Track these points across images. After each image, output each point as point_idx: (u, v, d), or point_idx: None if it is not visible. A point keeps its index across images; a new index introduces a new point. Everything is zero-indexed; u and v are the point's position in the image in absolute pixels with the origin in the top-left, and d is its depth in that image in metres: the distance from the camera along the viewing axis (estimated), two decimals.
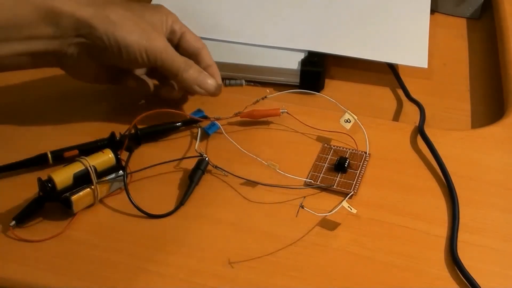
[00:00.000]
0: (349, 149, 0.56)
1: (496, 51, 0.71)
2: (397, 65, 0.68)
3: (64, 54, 0.55)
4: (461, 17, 0.79)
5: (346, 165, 0.53)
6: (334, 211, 0.49)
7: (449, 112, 0.64)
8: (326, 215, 0.49)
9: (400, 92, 0.66)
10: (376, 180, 0.53)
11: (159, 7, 0.59)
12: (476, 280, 0.44)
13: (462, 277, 0.45)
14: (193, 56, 0.59)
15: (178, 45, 0.59)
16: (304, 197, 0.51)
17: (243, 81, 0.58)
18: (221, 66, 0.64)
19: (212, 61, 0.59)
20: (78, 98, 0.62)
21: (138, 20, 0.55)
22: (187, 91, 0.60)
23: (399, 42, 0.68)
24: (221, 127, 0.57)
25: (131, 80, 0.60)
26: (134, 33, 0.54)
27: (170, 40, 0.58)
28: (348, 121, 0.55)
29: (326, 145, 0.57)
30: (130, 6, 0.57)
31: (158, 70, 0.57)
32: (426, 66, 0.65)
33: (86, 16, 0.53)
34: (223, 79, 0.59)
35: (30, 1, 0.53)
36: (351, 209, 0.49)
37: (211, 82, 0.58)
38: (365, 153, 0.56)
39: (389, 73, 0.68)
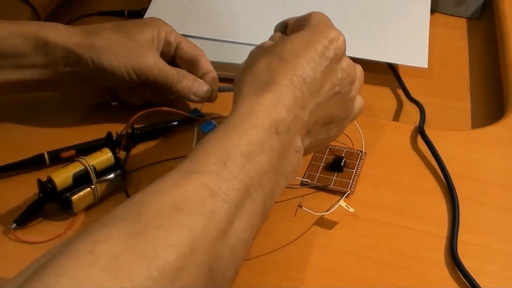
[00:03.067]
0: (345, 148, 0.56)
1: (496, 51, 0.71)
2: (397, 65, 0.68)
3: (57, 82, 0.57)
4: (461, 17, 0.79)
5: (342, 164, 0.53)
6: (332, 210, 0.49)
7: (449, 112, 0.64)
8: (324, 214, 0.49)
9: (400, 92, 0.66)
10: (376, 180, 0.53)
11: (151, 22, 0.59)
12: (476, 280, 0.44)
13: (462, 277, 0.45)
14: (191, 63, 0.59)
15: (175, 55, 0.59)
16: (302, 196, 0.51)
17: None
18: (222, 66, 0.64)
19: (211, 68, 0.59)
20: (74, 101, 0.62)
21: (125, 41, 0.56)
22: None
23: (399, 42, 0.68)
24: (217, 125, 0.57)
25: (128, 94, 0.60)
26: (121, 55, 0.55)
27: (166, 52, 0.59)
28: None
29: None
30: (118, 27, 0.57)
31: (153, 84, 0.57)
32: (426, 66, 0.65)
33: (72, 45, 0.55)
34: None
35: (23, 33, 0.55)
36: (348, 208, 0.49)
37: (206, 89, 0.57)
38: (361, 151, 0.56)
39: (389, 73, 0.68)
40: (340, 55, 0.45)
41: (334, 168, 0.54)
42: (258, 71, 0.43)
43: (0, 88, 0.56)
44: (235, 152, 0.37)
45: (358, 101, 0.49)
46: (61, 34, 0.55)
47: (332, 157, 0.55)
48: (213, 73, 0.58)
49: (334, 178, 0.53)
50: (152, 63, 0.55)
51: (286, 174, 0.41)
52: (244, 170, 0.37)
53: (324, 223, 0.49)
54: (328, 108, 0.45)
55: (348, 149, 0.56)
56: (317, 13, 0.47)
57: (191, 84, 0.57)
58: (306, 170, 0.54)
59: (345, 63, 0.46)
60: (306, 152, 0.45)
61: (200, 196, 0.35)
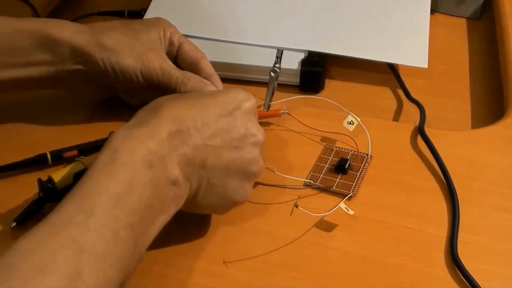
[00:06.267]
0: (351, 151, 0.56)
1: (496, 51, 0.71)
2: (397, 65, 0.68)
3: (62, 79, 0.57)
4: (461, 17, 0.79)
5: (346, 166, 0.53)
6: (331, 211, 0.49)
7: (449, 112, 0.64)
8: (323, 216, 0.49)
9: (400, 92, 0.66)
10: (376, 180, 0.53)
11: (156, 22, 0.59)
12: (476, 280, 0.44)
13: (462, 277, 0.45)
14: (192, 66, 0.59)
15: (176, 56, 0.59)
16: (300, 196, 0.51)
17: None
18: (221, 66, 0.64)
19: (213, 71, 0.59)
20: (76, 98, 0.62)
21: (133, 43, 0.56)
22: None
23: (399, 42, 0.68)
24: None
25: (128, 95, 0.60)
26: (129, 57, 0.55)
27: (169, 52, 0.59)
28: (351, 123, 0.55)
29: (327, 146, 0.57)
30: (126, 27, 0.57)
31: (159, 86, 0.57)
32: (426, 66, 0.65)
33: (81, 44, 0.55)
34: None
35: (28, 29, 0.54)
36: (348, 210, 0.49)
37: (212, 89, 0.57)
38: (367, 155, 0.55)
39: (389, 73, 0.68)
40: (246, 114, 0.46)
41: (338, 170, 0.54)
42: (149, 107, 0.44)
43: (6, 85, 0.56)
44: (103, 196, 0.37)
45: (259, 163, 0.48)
46: (68, 32, 0.55)
47: (337, 159, 0.54)
48: (215, 77, 0.58)
49: (337, 180, 0.53)
50: (157, 66, 0.55)
51: (162, 209, 0.41)
52: (113, 215, 0.37)
53: (324, 224, 0.49)
54: (221, 156, 0.44)
55: (354, 151, 0.56)
56: None
57: (196, 86, 0.57)
58: (310, 171, 0.54)
59: (253, 126, 0.46)
60: (199, 202, 0.45)
61: (67, 254, 0.34)
